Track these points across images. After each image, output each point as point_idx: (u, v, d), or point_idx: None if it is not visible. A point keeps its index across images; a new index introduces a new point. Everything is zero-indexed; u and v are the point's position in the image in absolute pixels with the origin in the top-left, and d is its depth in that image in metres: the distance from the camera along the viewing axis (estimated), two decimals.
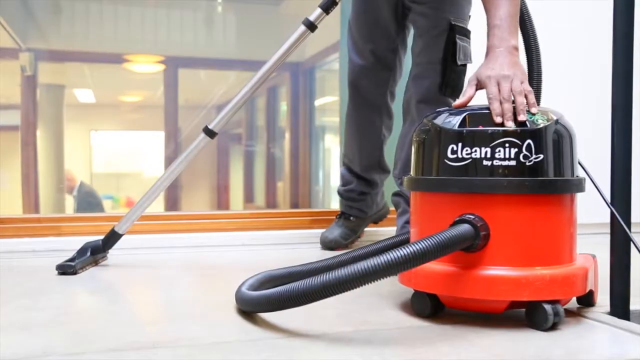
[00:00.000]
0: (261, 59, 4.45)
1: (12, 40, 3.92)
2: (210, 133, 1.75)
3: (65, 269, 1.61)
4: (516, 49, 1.28)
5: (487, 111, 1.16)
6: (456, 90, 1.84)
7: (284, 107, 5.25)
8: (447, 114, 1.20)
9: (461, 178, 1.12)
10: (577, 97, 2.57)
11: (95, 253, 1.74)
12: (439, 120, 1.18)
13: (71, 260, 1.65)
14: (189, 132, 5.10)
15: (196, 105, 5.60)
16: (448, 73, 1.80)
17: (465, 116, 1.15)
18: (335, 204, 4.27)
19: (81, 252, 1.71)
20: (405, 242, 1.51)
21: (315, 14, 1.73)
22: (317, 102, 4.76)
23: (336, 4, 1.75)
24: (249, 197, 5.66)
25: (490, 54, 1.27)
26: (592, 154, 1.42)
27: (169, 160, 4.94)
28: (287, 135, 4.93)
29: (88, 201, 5.35)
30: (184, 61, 4.57)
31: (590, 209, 1.44)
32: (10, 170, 5.04)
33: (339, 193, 2.20)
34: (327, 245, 2.09)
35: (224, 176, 6.09)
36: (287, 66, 4.40)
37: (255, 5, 4.37)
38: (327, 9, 1.74)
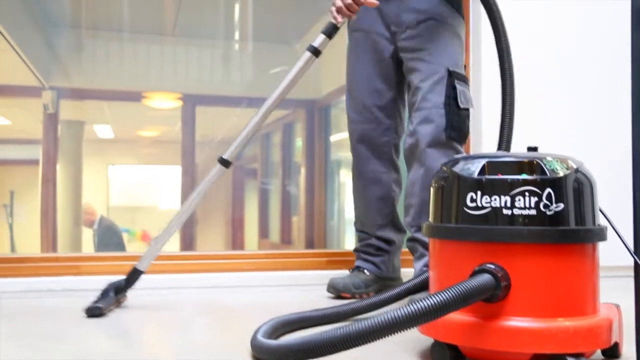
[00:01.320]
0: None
1: (36, 79, 4.01)
2: (225, 163, 1.77)
3: (94, 312, 1.60)
4: None
5: (506, 159, 1.16)
6: (461, 133, 1.86)
7: (299, 142, 5.27)
8: (465, 161, 1.19)
9: (481, 227, 1.11)
10: (597, 142, 2.57)
11: (118, 293, 1.73)
12: (457, 168, 1.18)
13: (97, 301, 1.64)
14: (205, 166, 5.13)
15: (213, 140, 5.65)
16: (452, 116, 1.83)
17: (484, 164, 1.15)
18: (349, 244, 4.25)
19: (105, 292, 1.71)
20: (421, 284, 1.50)
21: (318, 40, 1.78)
22: (333, 138, 4.78)
23: (337, 29, 1.80)
24: (263, 233, 5.65)
25: None
26: (613, 199, 1.40)
27: (185, 194, 4.96)
28: (303, 171, 4.95)
29: (108, 235, 5.38)
30: (201, 99, 4.63)
31: (612, 251, 1.41)
32: (28, 203, 5.10)
33: (356, 250, 2.15)
34: (336, 290, 1.99)
35: (239, 211, 6.10)
36: (302, 103, 4.44)
37: (270, 44, 4.45)
38: (329, 34, 1.80)
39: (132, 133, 6.18)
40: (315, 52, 1.78)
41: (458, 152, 1.87)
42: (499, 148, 1.63)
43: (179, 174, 5.15)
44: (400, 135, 2.10)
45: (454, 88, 1.83)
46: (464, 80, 1.89)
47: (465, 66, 1.94)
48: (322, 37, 1.79)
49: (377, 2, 1.80)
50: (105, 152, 6.36)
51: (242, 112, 4.74)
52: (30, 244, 4.82)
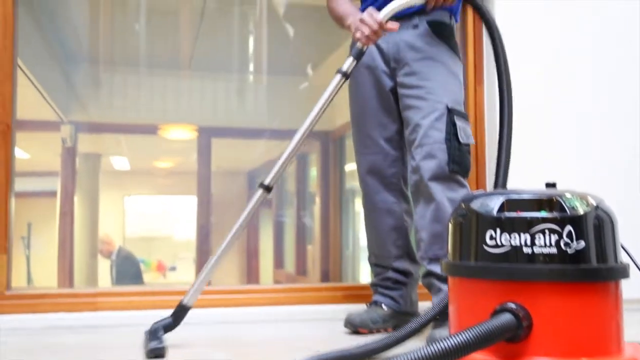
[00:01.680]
0: (292, 127, 4.54)
1: (55, 114, 4.08)
2: (267, 188, 1.78)
3: (158, 352, 1.56)
4: None
5: (525, 197, 1.15)
6: (464, 167, 1.87)
7: (314, 172, 5.29)
8: (483, 197, 1.19)
9: (501, 265, 1.10)
10: (618, 177, 2.55)
11: (167, 331, 1.69)
12: (475, 205, 1.18)
13: (151, 341, 1.60)
14: (221, 197, 5.16)
15: (228, 171, 5.69)
16: (453, 151, 1.85)
17: (503, 201, 1.15)
18: (365, 274, 4.22)
19: (154, 332, 1.66)
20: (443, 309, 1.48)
21: (347, 63, 1.81)
22: (347, 167, 4.80)
23: (364, 53, 1.83)
24: (278, 263, 5.63)
25: None
26: (633, 233, 1.39)
27: (201, 225, 4.99)
28: (318, 200, 4.95)
29: (127, 266, 5.40)
30: (216, 131, 4.68)
31: (633, 283, 1.39)
32: (45, 234, 5.14)
33: (373, 284, 2.13)
34: (353, 325, 1.97)
35: (254, 241, 6.09)
36: (317, 135, 4.47)
37: (285, 76, 4.49)
38: (358, 57, 1.83)
39: (148, 164, 6.24)
40: (346, 75, 1.82)
41: (462, 184, 1.88)
42: (495, 186, 1.67)
43: (194, 204, 5.18)
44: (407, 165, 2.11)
45: (454, 124, 1.86)
46: (464, 116, 1.92)
47: (464, 103, 1.96)
48: (350, 59, 1.82)
49: (396, 27, 1.82)
50: (122, 183, 6.42)
51: (259, 144, 4.78)
52: (47, 277, 4.84)
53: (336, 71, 1.82)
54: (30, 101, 3.64)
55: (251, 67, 4.50)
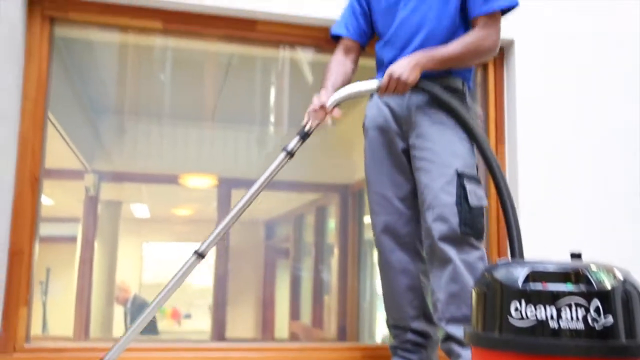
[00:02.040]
0: (310, 181, 4.56)
1: (79, 163, 4.16)
2: (200, 255, 1.81)
3: None
4: (418, 64, 1.87)
5: (551, 268, 1.14)
6: (476, 230, 1.86)
7: (332, 224, 5.28)
8: (508, 267, 1.18)
9: (526, 339, 1.09)
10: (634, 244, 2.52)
11: None
12: (499, 274, 1.17)
13: None
14: (238, 246, 5.16)
15: (246, 220, 5.69)
16: (464, 215, 1.85)
17: (528, 272, 1.14)
18: (382, 328, 4.15)
19: None
20: None
21: (293, 142, 1.89)
22: (366, 220, 4.79)
23: (309, 135, 1.91)
24: (294, 314, 5.57)
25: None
26: None
27: (218, 273, 4.98)
28: (336, 251, 4.93)
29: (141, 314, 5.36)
30: (237, 182, 4.72)
31: None
32: (63, 280, 5.15)
33: (393, 347, 2.11)
34: None
35: (270, 291, 6.04)
36: (336, 188, 4.48)
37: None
38: (304, 137, 1.90)
39: (167, 211, 6.28)
40: (290, 154, 1.90)
41: (476, 247, 1.88)
42: (513, 255, 1.67)
43: (212, 251, 5.17)
44: (422, 227, 2.10)
45: (464, 188, 1.87)
46: (474, 179, 1.92)
47: (477, 167, 1.97)
48: (296, 138, 1.91)
49: (339, 115, 1.93)
50: (141, 230, 6.45)
51: (277, 194, 4.80)
52: (62, 324, 4.83)
53: (282, 148, 1.87)
54: (56, 150, 3.71)
55: (272, 118, 4.57)
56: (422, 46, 1.98)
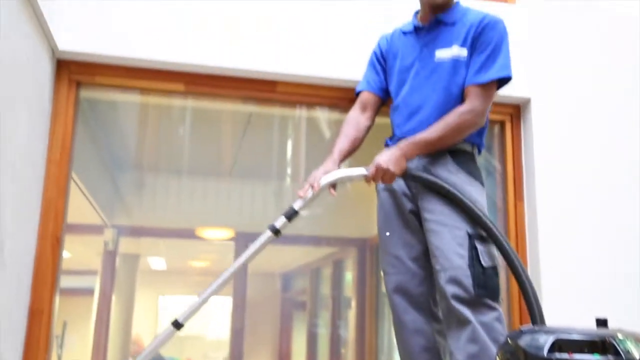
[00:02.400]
0: (327, 234, 4.56)
1: (99, 218, 4.21)
2: (177, 325, 1.83)
3: None
4: (403, 154, 1.93)
5: (577, 337, 1.13)
6: (490, 291, 1.84)
7: (349, 277, 5.26)
8: (532, 334, 1.17)
9: None
10: None
11: None
12: (523, 342, 1.16)
13: None
14: (255, 299, 5.14)
15: (262, 272, 5.69)
16: (477, 276, 1.84)
17: (553, 341, 1.12)
18: None
19: None
20: None
21: (280, 221, 1.92)
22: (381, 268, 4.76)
23: (297, 214, 1.93)
24: None
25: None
26: None
27: (234, 325, 4.94)
28: (353, 304, 4.89)
29: None
30: (254, 237, 4.74)
31: None
32: (79, 332, 5.14)
33: None
34: None
35: (287, 343, 5.98)
36: (353, 241, 4.49)
37: None
38: (290, 217, 1.93)
39: (184, 264, 6.29)
40: (276, 232, 1.93)
41: (492, 308, 1.86)
42: (534, 322, 1.66)
43: (229, 304, 5.16)
44: (436, 286, 2.09)
45: (475, 248, 1.87)
46: (486, 240, 1.91)
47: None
48: (283, 219, 1.95)
49: (334, 194, 1.98)
50: (157, 283, 6.46)
51: (294, 247, 4.80)
52: None
53: (267, 226, 1.92)
54: (77, 206, 3.77)
55: (289, 173, 4.62)
56: (430, 115, 2.03)
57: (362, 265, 4.72)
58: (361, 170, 1.96)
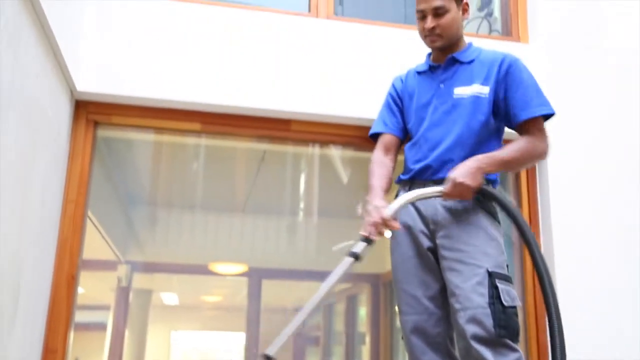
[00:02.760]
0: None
1: (113, 254, 4.23)
2: (267, 358, 1.76)
3: None
4: (479, 168, 1.88)
5: None
6: (511, 331, 1.80)
7: (363, 312, 5.21)
8: None
9: None
10: None
11: None
12: None
13: None
14: (269, 336, 5.10)
15: (276, 308, 5.65)
16: (498, 315, 1.80)
17: None
18: None
19: None
20: None
21: (360, 246, 1.80)
22: (397, 308, 4.71)
23: (371, 241, 1.82)
24: None
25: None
26: None
27: None
28: (367, 340, 4.83)
29: None
30: (267, 272, 4.74)
31: None
32: None
33: None
34: None
35: None
36: (366, 277, 4.47)
37: (334, 219, 4.58)
38: (369, 242, 1.81)
39: (197, 299, 6.27)
40: (357, 257, 1.81)
41: (513, 349, 1.81)
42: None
43: (242, 340, 5.12)
44: (453, 326, 2.05)
45: (496, 288, 1.83)
46: (506, 279, 1.88)
47: (507, 265, 1.94)
48: (364, 244, 1.83)
49: (398, 227, 1.88)
50: (169, 318, 6.44)
51: (308, 286, 4.78)
52: None
53: (348, 253, 1.81)
54: (91, 242, 3.80)
55: (302, 208, 4.63)
56: (449, 150, 2.01)
57: (376, 300, 4.68)
58: (437, 188, 1.91)
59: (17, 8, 1.72)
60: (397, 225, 1.87)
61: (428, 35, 2.08)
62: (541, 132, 2.00)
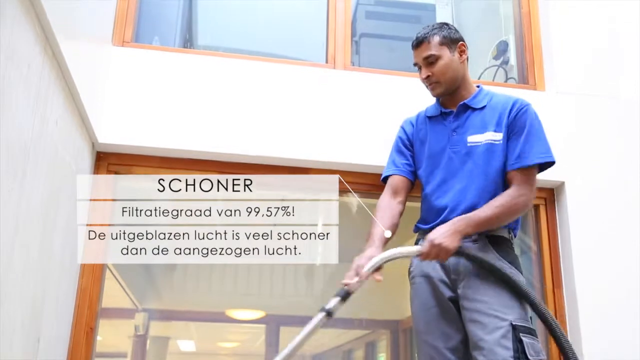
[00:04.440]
0: (360, 317, 4.46)
1: (130, 302, 4.22)
2: None
3: None
4: (457, 231, 1.87)
5: None
6: None
7: (381, 359, 5.11)
8: None
9: None
10: None
11: None
12: None
13: None
14: None
15: (295, 354, 5.56)
16: None
17: None
18: None
19: None
20: None
21: (332, 302, 1.77)
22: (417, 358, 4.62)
23: (350, 294, 1.80)
24: None
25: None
26: None
27: None
28: None
29: None
30: (285, 319, 4.69)
31: None
32: None
33: None
34: None
35: None
36: (386, 324, 4.40)
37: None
38: (344, 298, 1.80)
39: (214, 345, 6.20)
40: (329, 313, 1.78)
41: None
42: None
43: None
44: None
45: (521, 341, 1.80)
46: (530, 332, 1.85)
47: (531, 318, 1.91)
48: (337, 299, 1.80)
49: (380, 279, 1.86)
50: None
51: (325, 332, 4.72)
52: None
53: (320, 309, 1.78)
54: (109, 290, 3.80)
55: (319, 252, 4.60)
56: (472, 199, 1.99)
57: (395, 347, 4.59)
58: (414, 248, 1.91)
59: (42, 61, 1.77)
60: (378, 277, 1.85)
61: (427, 85, 2.11)
62: (526, 183, 1.98)
